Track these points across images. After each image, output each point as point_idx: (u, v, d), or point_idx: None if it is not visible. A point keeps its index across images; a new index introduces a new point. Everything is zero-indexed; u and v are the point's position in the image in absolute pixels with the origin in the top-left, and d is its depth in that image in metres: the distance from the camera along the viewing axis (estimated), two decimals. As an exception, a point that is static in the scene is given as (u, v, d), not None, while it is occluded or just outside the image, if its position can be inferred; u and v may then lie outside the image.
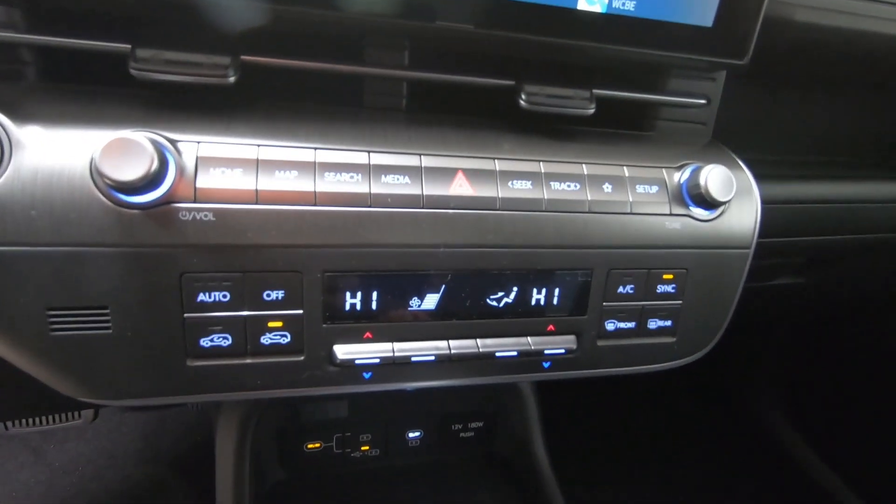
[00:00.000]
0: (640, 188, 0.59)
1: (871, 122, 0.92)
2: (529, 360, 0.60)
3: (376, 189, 0.51)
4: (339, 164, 0.51)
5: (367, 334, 0.55)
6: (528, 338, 0.60)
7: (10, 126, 0.45)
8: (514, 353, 0.59)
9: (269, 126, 0.52)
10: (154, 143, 0.44)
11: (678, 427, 1.64)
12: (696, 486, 1.45)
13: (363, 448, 0.92)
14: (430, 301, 0.56)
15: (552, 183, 0.56)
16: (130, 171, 0.43)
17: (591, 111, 0.61)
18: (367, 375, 0.57)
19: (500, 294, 0.58)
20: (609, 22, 0.55)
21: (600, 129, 0.66)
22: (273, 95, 0.57)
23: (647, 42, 0.57)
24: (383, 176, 0.52)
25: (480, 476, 0.95)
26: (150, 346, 0.50)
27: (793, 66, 0.78)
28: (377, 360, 0.55)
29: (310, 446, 0.90)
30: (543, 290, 0.59)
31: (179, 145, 0.48)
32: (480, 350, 0.58)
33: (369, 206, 0.51)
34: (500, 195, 0.54)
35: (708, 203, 0.59)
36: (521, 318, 0.59)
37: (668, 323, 0.64)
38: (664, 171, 0.61)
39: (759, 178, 0.66)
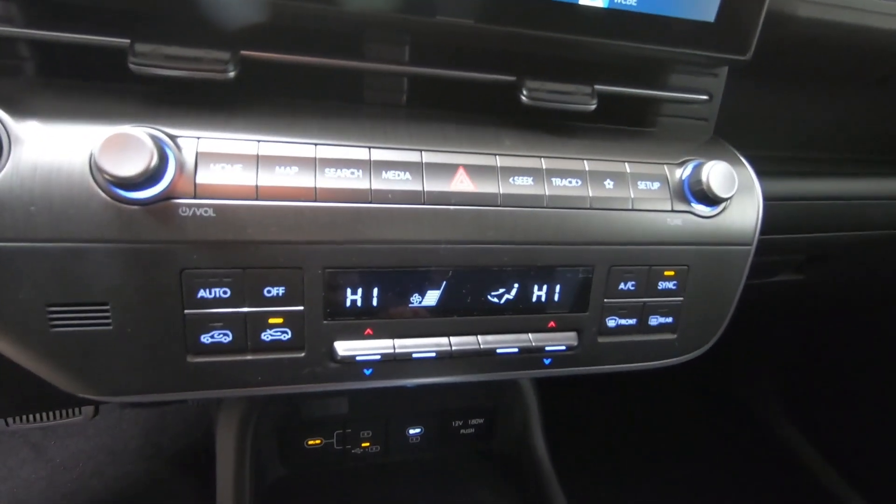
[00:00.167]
0: (641, 184, 0.59)
1: (873, 118, 0.92)
2: (530, 356, 0.60)
3: (377, 185, 0.51)
4: (339, 160, 0.51)
5: (368, 331, 0.55)
6: (529, 334, 0.60)
7: (9, 121, 0.44)
8: (515, 350, 0.59)
9: (270, 122, 0.51)
10: (154, 138, 0.44)
11: (678, 423, 1.64)
12: (696, 482, 1.46)
13: (364, 444, 0.92)
14: (431, 297, 0.56)
15: (553, 179, 0.56)
16: (130, 166, 0.43)
17: (593, 107, 0.60)
18: (367, 372, 0.56)
19: (501, 290, 0.57)
20: (611, 17, 0.54)
21: (602, 125, 0.66)
22: (273, 91, 0.56)
23: (648, 37, 0.57)
24: (384, 172, 0.51)
25: (481, 472, 0.95)
26: (150, 343, 0.50)
27: (795, 62, 0.78)
28: (378, 357, 0.55)
29: (310, 442, 0.90)
30: (544, 287, 0.58)
31: (179, 141, 0.48)
32: (481, 346, 0.58)
33: (370, 203, 0.51)
34: (501, 191, 0.54)
35: (710, 199, 0.59)
36: (522, 315, 0.59)
37: (670, 320, 0.64)
38: (666, 167, 0.61)
39: (760, 174, 0.66)
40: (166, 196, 0.46)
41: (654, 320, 0.64)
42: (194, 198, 0.47)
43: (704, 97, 0.67)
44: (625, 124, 0.68)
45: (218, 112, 0.51)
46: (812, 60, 0.77)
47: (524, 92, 0.58)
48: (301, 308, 0.52)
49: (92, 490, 1.31)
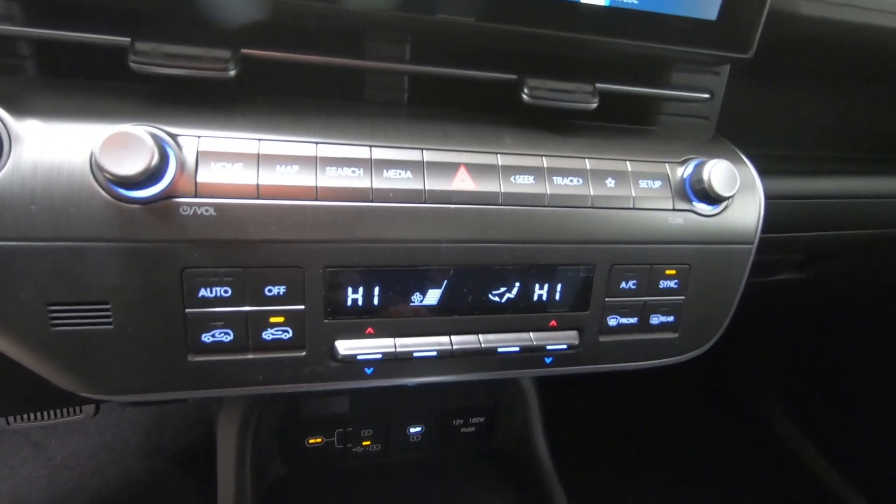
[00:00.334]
0: (643, 183, 0.59)
1: (874, 116, 0.92)
2: (531, 355, 0.60)
3: (378, 184, 0.51)
4: (340, 159, 0.51)
5: (369, 330, 0.55)
6: (530, 333, 0.60)
7: (10, 120, 0.44)
8: (516, 349, 0.59)
9: (270, 120, 0.51)
10: (154, 137, 0.44)
11: (679, 422, 1.64)
12: (696, 481, 1.46)
13: (364, 443, 0.92)
14: (432, 296, 0.56)
15: (555, 178, 0.56)
16: (131, 165, 0.43)
17: (594, 105, 0.60)
18: (368, 371, 0.56)
19: (503, 289, 0.57)
20: (612, 15, 0.54)
21: (603, 123, 0.66)
22: (274, 89, 0.56)
23: (650, 35, 0.56)
24: (385, 171, 0.51)
25: (481, 471, 0.95)
26: (151, 342, 0.50)
27: (797, 61, 0.77)
28: (379, 356, 0.55)
29: (311, 441, 0.90)
30: (545, 286, 0.58)
31: (180, 139, 0.48)
32: (482, 345, 0.58)
33: (371, 201, 0.51)
34: (502, 190, 0.54)
35: (711, 198, 0.59)
36: (524, 314, 0.59)
37: (671, 318, 0.64)
38: (667, 165, 0.61)
39: (761, 173, 0.66)
40: (167, 195, 0.46)
41: (656, 319, 0.64)
42: (195, 197, 0.47)
43: (706, 95, 0.67)
44: (626, 123, 0.68)
45: (219, 111, 0.51)
46: (814, 59, 0.77)
47: (525, 90, 0.58)
48: (302, 307, 0.52)
49: (93, 488, 1.31)
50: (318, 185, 0.49)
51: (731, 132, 0.71)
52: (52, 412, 1.24)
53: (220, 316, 0.50)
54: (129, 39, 0.49)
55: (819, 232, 0.86)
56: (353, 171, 0.50)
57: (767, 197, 0.65)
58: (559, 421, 1.03)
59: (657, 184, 0.59)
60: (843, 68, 0.82)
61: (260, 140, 0.49)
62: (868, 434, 1.37)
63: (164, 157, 0.45)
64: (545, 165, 0.56)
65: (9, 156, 0.44)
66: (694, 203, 0.60)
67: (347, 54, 0.55)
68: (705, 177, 0.58)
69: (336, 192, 0.50)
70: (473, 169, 0.54)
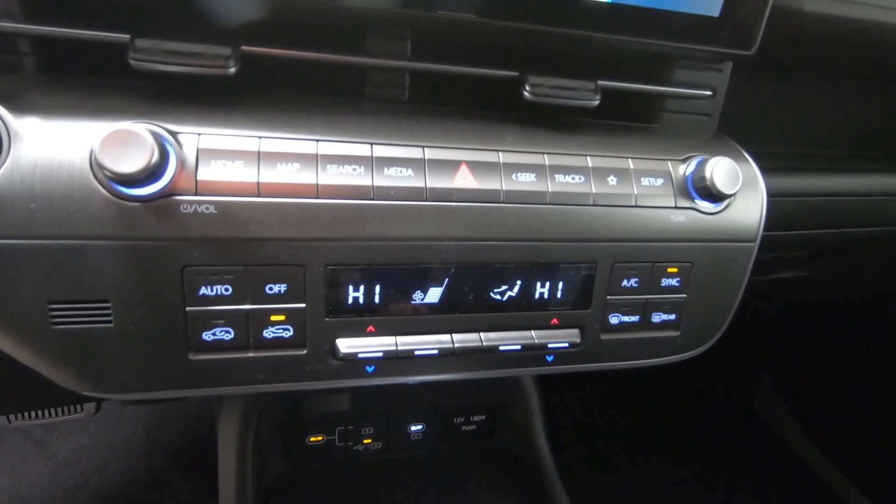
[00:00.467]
0: (645, 181, 0.59)
1: (878, 114, 0.91)
2: (533, 353, 0.60)
3: (379, 182, 0.51)
4: (341, 157, 0.50)
5: (370, 328, 0.55)
6: (532, 331, 0.59)
7: (9, 117, 0.44)
8: (518, 347, 0.59)
9: (271, 118, 0.51)
10: (154, 134, 0.44)
11: (680, 421, 1.64)
12: (698, 480, 1.46)
13: (365, 441, 0.92)
14: (434, 294, 0.55)
15: (556, 175, 0.56)
16: (131, 163, 0.42)
17: (596, 103, 0.60)
18: (369, 369, 0.56)
19: (504, 287, 0.57)
20: (614, 11, 0.54)
21: (605, 121, 0.66)
22: (274, 87, 0.56)
23: (652, 32, 0.56)
24: (386, 168, 0.51)
25: (482, 469, 0.95)
26: (151, 340, 0.49)
27: (799, 58, 0.77)
28: (380, 354, 0.55)
29: (312, 439, 0.90)
30: (547, 284, 0.58)
31: (180, 137, 0.47)
32: (484, 344, 0.58)
33: (372, 199, 0.50)
34: (503, 188, 0.54)
35: (713, 196, 0.59)
36: (525, 312, 0.59)
37: (673, 317, 0.64)
38: (669, 163, 0.60)
39: (764, 170, 0.66)
40: (167, 193, 0.46)
41: (657, 317, 0.63)
42: (195, 195, 0.46)
43: (708, 93, 0.67)
44: (628, 120, 0.67)
45: (219, 108, 0.51)
46: (816, 56, 0.77)
47: (527, 88, 0.58)
48: (303, 305, 0.52)
49: (94, 486, 1.31)
50: (319, 182, 0.49)
51: (733, 130, 0.71)
52: (53, 410, 1.24)
53: (221, 314, 0.50)
54: (128, 36, 0.48)
55: (821, 230, 0.85)
56: (354, 169, 0.50)
57: (770, 195, 0.65)
58: (560, 419, 1.03)
59: (659, 181, 0.59)
60: (847, 66, 0.82)
61: (260, 138, 0.49)
62: (869, 433, 1.37)
63: (164, 155, 0.45)
64: (547, 163, 0.56)
65: (8, 153, 0.43)
66: (696, 201, 0.60)
67: (348, 51, 0.55)
68: (707, 174, 0.58)
69: (337, 190, 0.50)
70: (475, 166, 0.54)
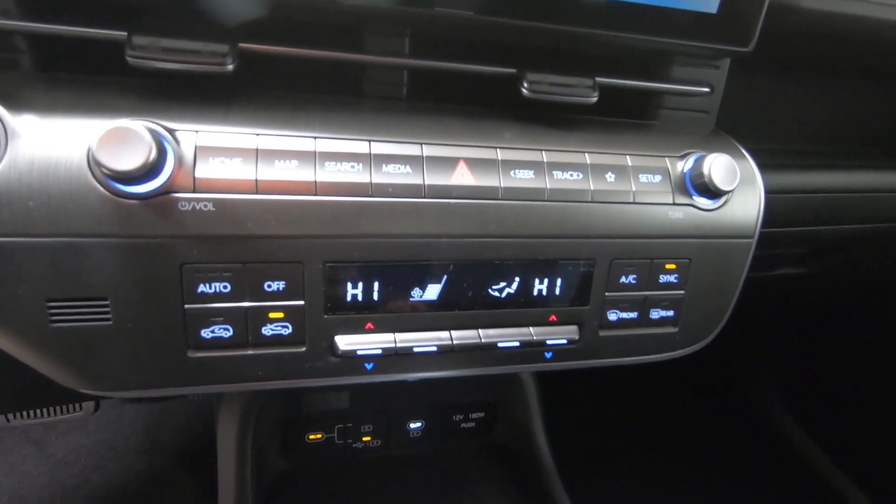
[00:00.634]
0: (643, 177, 0.59)
1: (877, 111, 0.91)
2: (531, 350, 0.60)
3: (377, 179, 0.51)
4: (339, 154, 0.50)
5: (369, 325, 0.55)
6: (531, 328, 0.59)
7: (6, 115, 0.44)
8: (517, 344, 0.59)
9: (269, 115, 0.51)
10: (152, 132, 0.44)
11: (678, 418, 1.65)
12: (696, 476, 1.46)
13: (365, 439, 0.93)
14: (432, 291, 0.55)
15: (554, 172, 0.56)
16: (128, 160, 0.42)
17: (594, 99, 0.60)
18: (369, 366, 0.56)
19: (503, 284, 0.57)
20: (612, 8, 0.54)
21: (603, 117, 0.66)
22: (272, 84, 0.56)
23: (650, 29, 0.56)
24: (384, 165, 0.51)
25: (481, 466, 0.95)
26: (150, 338, 0.49)
27: (798, 55, 0.77)
28: (379, 352, 0.55)
29: (312, 437, 0.90)
30: (546, 281, 0.58)
31: (178, 134, 0.47)
32: (482, 341, 0.58)
33: (370, 196, 0.50)
34: (502, 185, 0.54)
35: (711, 192, 0.59)
36: (524, 309, 0.59)
37: (671, 313, 0.64)
38: (667, 160, 0.60)
39: (762, 167, 0.66)
40: (165, 190, 0.46)
41: (656, 314, 0.63)
42: (193, 192, 0.46)
43: (706, 89, 0.67)
44: (626, 117, 0.67)
45: (216, 105, 0.51)
46: (815, 53, 0.77)
47: (525, 84, 0.58)
48: (302, 303, 0.52)
49: (94, 485, 1.31)
50: (318, 179, 0.49)
51: (732, 128, 0.71)
52: (52, 409, 1.24)
53: (220, 311, 0.50)
54: (125, 33, 0.48)
55: (820, 227, 0.86)
56: (353, 166, 0.50)
57: (768, 191, 0.65)
58: (559, 416, 1.03)
59: (657, 178, 0.59)
60: (845, 64, 0.82)
61: (258, 135, 0.49)
62: (868, 430, 1.37)
63: (161, 152, 0.44)
64: (545, 160, 0.56)
65: (5, 151, 0.43)
66: (694, 197, 0.60)
67: (346, 48, 0.55)
68: (705, 171, 0.58)
69: (335, 187, 0.50)
70: (473, 163, 0.54)
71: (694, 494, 1.41)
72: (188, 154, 0.47)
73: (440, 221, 0.52)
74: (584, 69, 0.60)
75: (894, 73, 0.84)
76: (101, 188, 0.45)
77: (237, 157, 0.48)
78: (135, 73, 0.49)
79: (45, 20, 0.48)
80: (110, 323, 0.48)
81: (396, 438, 0.94)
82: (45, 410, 1.25)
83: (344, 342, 0.54)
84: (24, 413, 1.24)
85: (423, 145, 0.53)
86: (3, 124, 0.44)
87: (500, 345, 0.58)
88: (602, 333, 0.62)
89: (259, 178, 0.48)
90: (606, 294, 0.60)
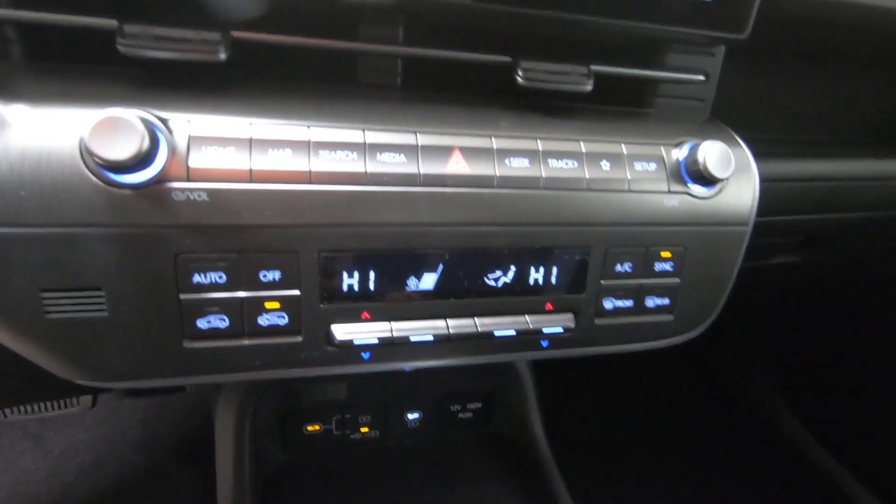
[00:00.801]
0: (638, 165, 0.59)
1: (873, 100, 0.91)
2: (528, 338, 0.60)
3: (372, 167, 0.50)
4: (333, 143, 0.50)
5: (365, 314, 0.55)
6: (527, 316, 0.60)
7: None
8: (512, 332, 0.59)
9: (262, 104, 0.51)
10: (144, 121, 0.44)
11: (675, 409, 1.66)
12: (693, 467, 1.47)
13: (363, 430, 0.93)
14: (428, 280, 0.55)
15: (550, 160, 0.56)
16: (121, 149, 0.42)
17: (589, 88, 0.60)
18: (365, 356, 0.56)
19: (498, 273, 0.57)
20: (607, -5, 0.54)
21: (598, 106, 0.65)
22: (266, 73, 0.56)
23: (644, 15, 0.56)
24: (378, 154, 0.51)
25: (479, 456, 0.95)
26: (146, 328, 0.49)
27: (795, 44, 0.77)
28: (376, 341, 0.55)
29: (310, 428, 0.90)
30: (541, 269, 0.58)
31: (170, 123, 0.47)
32: (479, 329, 0.58)
33: (365, 185, 0.50)
34: (497, 173, 0.54)
35: (706, 180, 0.59)
36: (520, 297, 0.59)
37: (666, 301, 0.64)
38: (662, 148, 0.60)
39: (757, 155, 0.66)
40: (158, 180, 0.45)
41: (651, 302, 0.64)
42: (187, 182, 0.46)
43: (701, 77, 0.67)
44: (621, 105, 0.67)
45: (209, 95, 0.50)
46: (811, 42, 0.77)
47: (520, 72, 0.57)
48: (297, 292, 0.52)
49: (92, 479, 1.32)
50: (312, 168, 0.49)
51: (728, 119, 0.71)
52: (49, 404, 1.24)
53: (215, 302, 0.50)
54: (116, 22, 0.48)
55: (814, 215, 0.86)
56: (347, 155, 0.50)
57: (762, 179, 0.65)
58: (556, 408, 1.03)
59: (652, 166, 0.59)
60: (843, 52, 0.82)
61: (252, 124, 0.49)
62: (865, 420, 1.38)
63: (154, 142, 0.44)
64: (540, 148, 0.56)
65: None
66: (689, 185, 0.60)
67: (340, 37, 0.54)
68: (700, 158, 0.58)
69: (330, 176, 0.49)
70: (468, 152, 0.54)
71: (691, 485, 1.42)
72: (181, 143, 0.47)
73: (435, 210, 0.52)
74: (579, 57, 0.60)
75: (891, 61, 0.84)
76: (93, 178, 0.44)
77: (231, 147, 0.48)
78: (126, 62, 0.49)
79: (36, 9, 0.48)
80: (105, 313, 0.48)
81: (394, 429, 0.94)
82: (42, 405, 1.25)
83: (340, 331, 0.54)
84: (21, 408, 1.24)
85: (418, 134, 0.53)
86: None
87: (496, 333, 0.59)
88: (598, 321, 0.63)
89: (253, 168, 0.48)
90: (602, 282, 0.61)
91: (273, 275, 0.51)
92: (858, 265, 1.22)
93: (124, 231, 0.46)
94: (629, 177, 0.58)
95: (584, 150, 0.57)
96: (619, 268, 0.61)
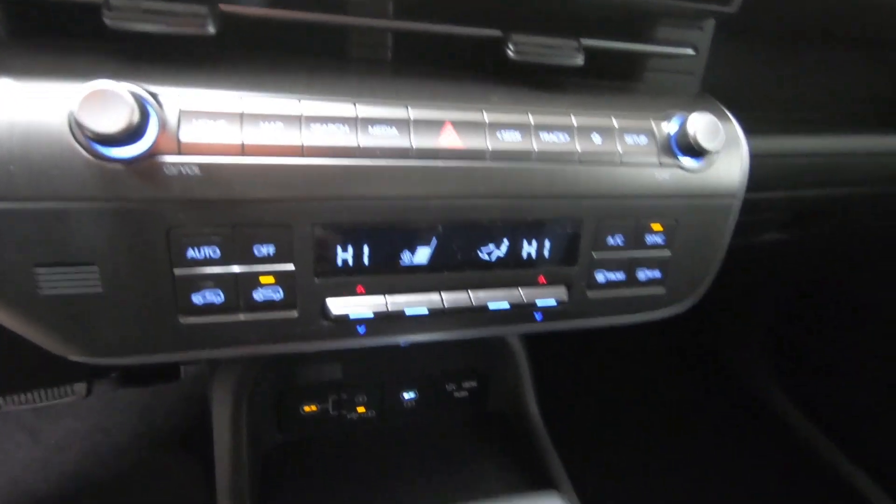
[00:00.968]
0: (629, 138, 0.59)
1: (866, 79, 0.91)
2: (521, 311, 0.61)
3: (364, 141, 0.50)
4: (325, 116, 0.50)
5: (360, 288, 0.55)
6: (520, 288, 0.60)
7: None
8: (507, 305, 0.60)
9: (252, 78, 0.51)
10: (134, 94, 0.43)
11: (669, 390, 1.68)
12: (687, 446, 1.50)
13: (359, 409, 0.93)
14: (422, 253, 0.56)
15: (541, 134, 0.56)
16: (111, 122, 0.42)
17: (580, 62, 0.60)
18: (361, 330, 0.57)
19: (491, 246, 0.58)
20: (596, -34, 0.54)
21: (588, 80, 0.66)
22: (255, 47, 0.55)
23: (634, -12, 0.56)
24: (370, 127, 0.51)
25: (475, 435, 0.96)
26: (141, 304, 0.49)
27: (784, 20, 0.77)
28: (371, 315, 0.56)
29: (307, 409, 0.91)
30: (534, 242, 0.59)
31: (160, 97, 0.47)
32: (473, 302, 0.58)
33: (357, 158, 0.50)
34: (489, 146, 0.54)
35: (696, 152, 0.60)
36: (513, 270, 0.59)
37: (657, 273, 0.65)
38: (652, 121, 0.61)
39: (747, 131, 0.66)
40: (149, 154, 0.45)
41: (643, 274, 0.64)
42: (178, 155, 0.46)
43: (690, 51, 0.67)
44: (611, 79, 0.67)
45: (199, 68, 0.50)
46: (802, 19, 0.77)
47: (510, 46, 0.57)
48: (291, 266, 0.52)
49: (89, 469, 1.32)
50: (304, 142, 0.49)
51: (720, 96, 0.71)
52: (43, 392, 1.24)
53: (210, 276, 0.50)
54: None
55: (804, 190, 0.87)
56: (339, 128, 0.50)
57: (752, 153, 0.66)
58: (551, 389, 1.04)
59: (643, 139, 0.60)
60: (834, 29, 0.82)
61: (243, 97, 0.49)
62: (857, 399, 1.39)
63: (144, 115, 0.44)
64: (532, 122, 0.56)
65: None
66: (679, 157, 0.61)
67: (329, 10, 0.54)
68: (690, 130, 0.58)
69: (322, 150, 0.49)
70: (460, 125, 0.54)
71: (686, 463, 1.45)
72: (172, 117, 0.46)
73: (428, 183, 0.53)
74: (570, 31, 0.60)
75: (886, 39, 0.84)
76: (83, 152, 0.44)
77: (222, 120, 0.47)
78: (113, 38, 0.48)
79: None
80: (100, 289, 0.48)
81: (391, 409, 0.95)
82: (36, 394, 1.24)
83: (335, 305, 0.54)
84: (14, 398, 1.23)
85: (410, 107, 0.53)
86: None
87: (490, 306, 0.59)
88: (590, 294, 0.63)
89: (245, 141, 0.47)
90: (594, 254, 0.61)
91: (267, 249, 0.51)
92: (849, 243, 1.23)
93: (116, 206, 0.46)
94: (620, 150, 0.58)
95: (575, 124, 0.57)
96: (610, 240, 0.61)
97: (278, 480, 0.85)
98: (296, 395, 0.89)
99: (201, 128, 0.47)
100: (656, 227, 0.63)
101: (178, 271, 0.49)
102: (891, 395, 1.31)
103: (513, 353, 0.94)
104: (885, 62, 0.90)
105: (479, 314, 0.60)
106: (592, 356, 1.66)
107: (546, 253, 0.60)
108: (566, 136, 0.57)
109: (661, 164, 0.60)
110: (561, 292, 0.62)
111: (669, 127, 0.61)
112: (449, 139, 0.53)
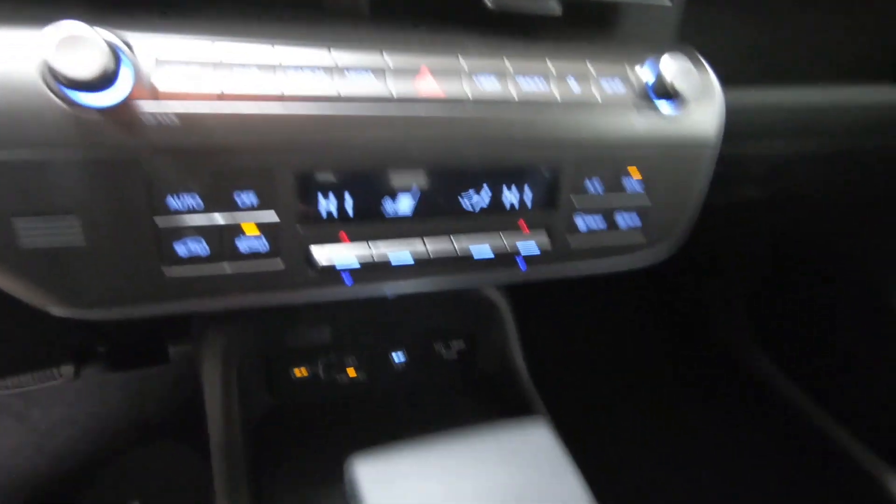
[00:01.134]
0: (605, 84, 0.60)
1: (850, 35, 0.92)
2: (505, 258, 0.62)
3: (342, 86, 0.51)
4: (302, 63, 0.50)
5: (343, 235, 0.55)
6: (502, 234, 0.61)
7: None
8: (490, 254, 0.61)
9: (226, 27, 0.50)
10: (108, 42, 0.43)
11: (655, 360, 1.71)
12: (672, 408, 1.53)
13: (349, 372, 0.94)
14: (403, 201, 0.56)
15: (519, 78, 0.56)
16: (86, 67, 0.41)
17: (558, 11, 0.60)
18: (347, 279, 0.57)
19: (472, 192, 0.58)
20: None
21: (565, 30, 0.66)
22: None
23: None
24: (347, 72, 0.51)
25: (466, 396, 0.98)
26: (123, 255, 0.49)
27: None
28: (357, 264, 0.56)
29: (297, 374, 0.91)
30: (514, 187, 0.60)
31: (134, 44, 0.46)
32: (457, 248, 0.59)
33: (336, 103, 0.50)
34: (466, 91, 0.55)
35: (671, 95, 0.60)
36: (494, 216, 0.60)
37: (636, 218, 0.66)
38: (627, 65, 0.62)
39: (723, 81, 0.67)
40: (126, 102, 0.45)
41: (622, 220, 0.66)
42: (155, 102, 0.46)
43: (667, 2, 0.68)
44: (589, 30, 0.68)
45: (173, 16, 0.49)
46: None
47: None
48: (274, 213, 0.52)
49: (80, 453, 1.32)
50: (282, 88, 0.49)
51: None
52: (30, 377, 1.23)
53: (192, 226, 0.50)
54: None
55: (781, 142, 0.88)
56: (315, 73, 0.50)
57: (729, 104, 0.67)
58: (539, 352, 1.06)
59: (619, 84, 0.60)
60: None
61: (218, 44, 0.48)
62: (844, 365, 1.41)
63: (118, 62, 0.44)
64: (509, 68, 0.57)
65: None
66: (655, 102, 0.62)
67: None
68: (665, 73, 0.59)
69: (301, 96, 0.49)
70: (438, 72, 0.54)
71: (669, 423, 1.48)
72: (147, 64, 0.46)
73: (407, 129, 0.53)
74: (546, -21, 0.60)
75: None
76: (58, 101, 0.44)
77: (198, 67, 0.47)
78: None
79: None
80: (81, 239, 0.47)
81: (381, 371, 0.96)
82: (22, 378, 1.23)
83: (321, 254, 0.55)
84: (1, 382, 1.22)
85: (385, 53, 0.53)
86: None
87: (473, 252, 0.60)
88: (572, 241, 0.64)
89: (222, 89, 0.47)
90: (573, 198, 0.62)
91: (249, 197, 0.51)
92: (827, 201, 1.25)
93: (93, 154, 0.45)
94: (596, 94, 0.59)
95: (552, 70, 0.58)
96: (589, 185, 0.62)
97: (272, 446, 0.86)
98: (286, 361, 0.90)
99: (178, 75, 0.47)
100: (634, 172, 0.64)
101: (159, 220, 0.49)
102: (871, 355, 1.34)
103: (499, 313, 0.96)
104: (866, 13, 0.90)
105: (463, 262, 0.60)
106: (580, 324, 1.68)
107: (527, 199, 0.61)
108: (543, 80, 0.57)
109: (637, 110, 0.61)
110: (542, 238, 0.63)
111: (644, 72, 0.62)
112: (426, 84, 0.54)
